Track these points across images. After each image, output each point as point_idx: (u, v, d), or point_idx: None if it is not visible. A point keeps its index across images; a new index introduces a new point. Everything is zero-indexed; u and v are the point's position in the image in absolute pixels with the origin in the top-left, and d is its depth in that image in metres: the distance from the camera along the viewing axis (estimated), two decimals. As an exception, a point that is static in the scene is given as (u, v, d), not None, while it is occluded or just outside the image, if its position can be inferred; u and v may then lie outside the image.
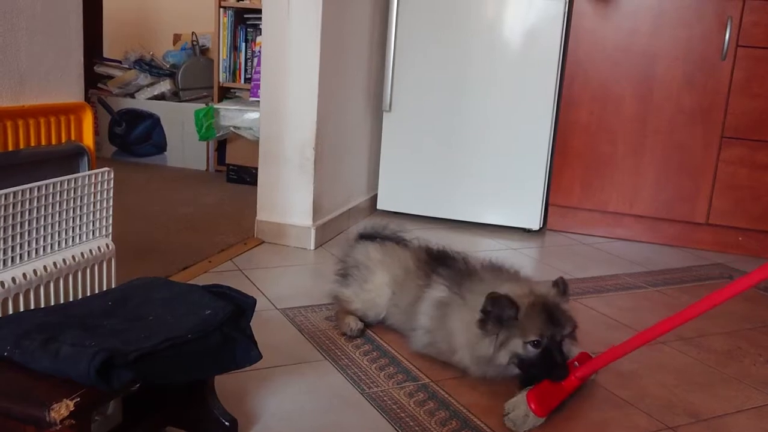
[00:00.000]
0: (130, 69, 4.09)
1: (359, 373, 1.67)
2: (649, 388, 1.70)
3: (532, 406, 1.46)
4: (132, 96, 4.03)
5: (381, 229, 2.13)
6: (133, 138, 3.99)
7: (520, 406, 1.48)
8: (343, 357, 1.75)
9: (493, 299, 1.56)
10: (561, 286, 1.66)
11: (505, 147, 2.96)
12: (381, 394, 1.58)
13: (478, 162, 3.00)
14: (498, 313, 1.57)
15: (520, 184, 2.96)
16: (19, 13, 1.46)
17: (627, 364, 1.81)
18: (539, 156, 2.93)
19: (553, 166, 3.01)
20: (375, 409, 1.51)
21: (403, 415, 1.49)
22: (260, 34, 3.70)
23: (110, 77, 4.14)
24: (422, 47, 2.97)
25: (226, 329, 1.25)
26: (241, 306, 1.30)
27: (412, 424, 1.46)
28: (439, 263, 1.85)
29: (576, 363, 1.63)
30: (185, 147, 3.93)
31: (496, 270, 1.80)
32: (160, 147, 3.99)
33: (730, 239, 2.92)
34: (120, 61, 4.17)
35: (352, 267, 1.98)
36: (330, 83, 2.63)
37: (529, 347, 1.56)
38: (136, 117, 3.98)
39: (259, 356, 1.28)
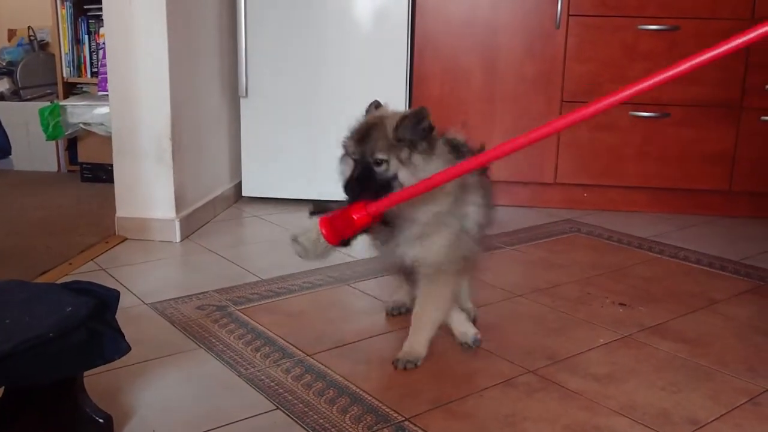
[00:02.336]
0: (-39, 69, 3.82)
1: (235, 357, 1.68)
2: (510, 337, 1.83)
3: (324, 231, 1.46)
4: (-34, 98, 3.76)
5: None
6: (-27, 143, 3.72)
7: (311, 230, 1.49)
8: (217, 343, 1.75)
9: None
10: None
11: (363, 124, 3.02)
12: (258, 374, 1.60)
13: (337, 141, 3.03)
14: None
15: (381, 160, 3.03)
16: None
17: (488, 318, 1.93)
18: (397, 131, 3.02)
19: (411, 140, 3.11)
20: (253, 389, 1.53)
21: (281, 390, 1.53)
22: (104, 25, 3.55)
23: (-61, 79, 3.84)
24: (274, 30, 2.97)
25: (91, 324, 1.23)
26: (104, 300, 1.28)
27: (290, 398, 1.49)
28: None
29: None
30: (32, 149, 3.71)
31: None
32: (4, 150, 3.74)
33: (577, 196, 3.15)
34: (-51, 62, 3.88)
35: None
36: (181, 71, 2.58)
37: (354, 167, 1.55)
38: (-26, 120, 3.71)
39: (128, 348, 1.27)
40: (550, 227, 2.87)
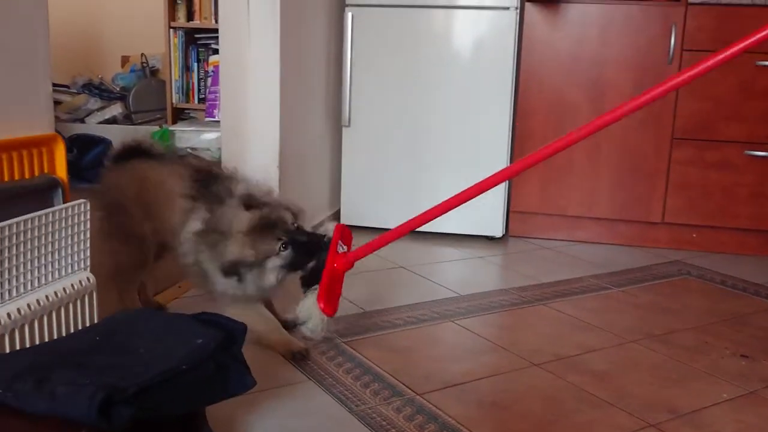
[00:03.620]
0: (78, 94, 4.01)
1: (345, 392, 1.67)
2: (626, 386, 1.75)
3: (322, 306, 1.61)
4: (82, 121, 3.95)
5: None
6: (86, 163, 3.89)
7: (314, 313, 1.64)
8: (326, 377, 1.75)
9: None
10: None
11: (464, 156, 3.00)
12: (369, 411, 1.59)
13: (438, 172, 3.03)
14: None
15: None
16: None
17: (601, 364, 1.87)
18: (498, 164, 2.98)
19: (512, 174, 3.07)
20: (366, 427, 1.52)
21: (394, 431, 1.51)
22: (212, 54, 3.68)
23: (58, 102, 4.05)
24: (378, 62, 3.00)
25: (219, 357, 1.25)
26: (231, 332, 1.30)
27: (403, 439, 1.48)
28: (203, 184, 1.83)
29: (341, 242, 1.79)
30: (140, 170, 3.86)
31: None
32: (115, 172, 3.91)
33: (685, 237, 3.03)
34: (68, 86, 4.08)
35: None
36: (291, 101, 2.63)
37: (283, 254, 1.71)
38: (88, 142, 3.89)
39: (254, 382, 1.28)
40: (657, 268, 2.76)
